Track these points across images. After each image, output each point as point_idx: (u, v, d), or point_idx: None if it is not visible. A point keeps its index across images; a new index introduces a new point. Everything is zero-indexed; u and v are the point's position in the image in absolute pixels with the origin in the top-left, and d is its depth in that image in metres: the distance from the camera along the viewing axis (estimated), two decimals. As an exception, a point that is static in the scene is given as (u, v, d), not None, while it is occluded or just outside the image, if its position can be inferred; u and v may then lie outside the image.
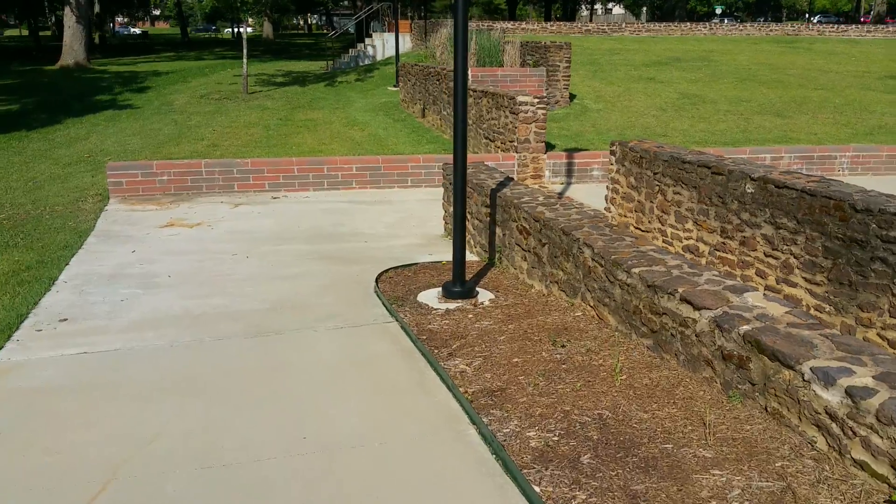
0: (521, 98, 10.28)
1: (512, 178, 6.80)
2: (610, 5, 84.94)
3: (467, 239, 6.94)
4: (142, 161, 9.97)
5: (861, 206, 4.79)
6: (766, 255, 5.71)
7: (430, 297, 5.39)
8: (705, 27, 26.91)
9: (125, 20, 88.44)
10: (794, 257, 5.43)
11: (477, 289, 5.46)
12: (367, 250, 6.93)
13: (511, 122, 10.55)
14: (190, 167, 9.52)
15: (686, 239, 6.70)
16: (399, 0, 21.84)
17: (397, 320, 4.85)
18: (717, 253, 6.27)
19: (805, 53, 20.84)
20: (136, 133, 14.68)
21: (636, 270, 4.03)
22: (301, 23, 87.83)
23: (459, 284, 5.31)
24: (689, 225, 6.62)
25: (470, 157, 10.42)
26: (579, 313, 4.68)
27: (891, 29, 27.92)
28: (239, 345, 4.46)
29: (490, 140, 11.42)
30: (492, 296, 5.37)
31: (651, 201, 7.17)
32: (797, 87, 15.81)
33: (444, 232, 7.62)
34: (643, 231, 7.36)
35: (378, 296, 5.44)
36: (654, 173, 7.07)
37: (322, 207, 8.90)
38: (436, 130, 14.24)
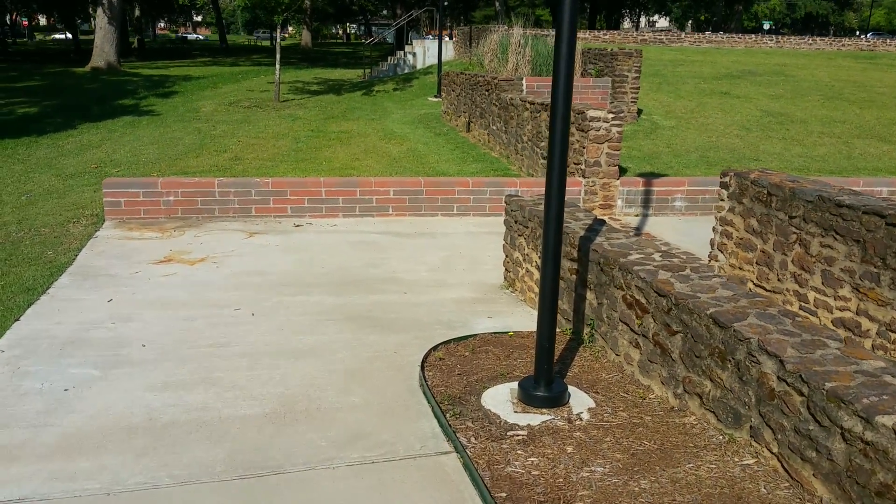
0: (591, 113, 8.61)
1: (604, 221, 5.12)
2: (655, 17, 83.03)
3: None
4: (145, 178, 8.49)
5: None
6: None
7: (501, 399, 3.73)
8: (771, 40, 24.91)
9: (168, 25, 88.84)
10: None
11: (566, 384, 3.78)
12: (406, 307, 5.30)
13: (578, 142, 8.88)
14: (201, 186, 8.01)
15: (840, 310, 4.95)
16: (444, 4, 20.35)
17: (457, 451, 3.18)
18: (893, 335, 4.52)
19: (890, 70, 18.81)
20: (153, 142, 13.29)
21: (886, 421, 2.33)
22: (340, 32, 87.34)
23: (544, 386, 3.63)
24: (846, 291, 4.88)
25: (528, 181, 8.78)
26: (749, 460, 2.98)
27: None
28: (212, 499, 2.84)
29: (551, 161, 9.74)
30: (591, 402, 3.68)
31: (784, 254, 5.44)
32: (894, 108, 13.88)
33: (505, 282, 5.96)
34: (769, 291, 5.63)
35: (426, 395, 3.79)
36: (791, 217, 5.34)
37: (352, 239, 7.30)
38: (482, 147, 12.62)
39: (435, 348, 4.40)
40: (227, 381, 3.88)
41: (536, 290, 5.35)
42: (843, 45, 24.89)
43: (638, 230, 8.09)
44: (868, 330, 4.71)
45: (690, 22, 71.38)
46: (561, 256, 3.57)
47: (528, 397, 3.63)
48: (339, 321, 4.95)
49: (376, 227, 7.85)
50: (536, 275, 5.32)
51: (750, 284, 5.86)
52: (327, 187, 8.19)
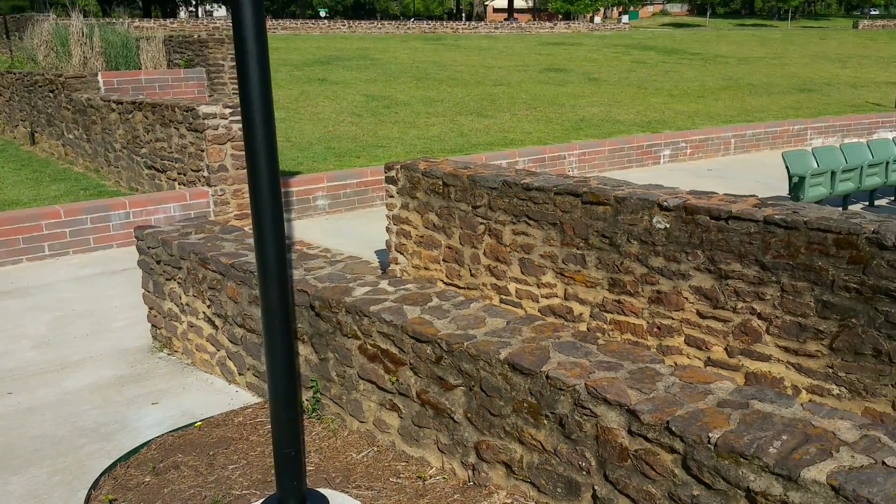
0: (205, 109, 7.29)
1: (290, 242, 4.02)
2: (210, 7, 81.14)
3: (220, 359, 3.98)
4: None
5: (893, 242, 3.19)
6: (704, 317, 3.93)
7: (234, 544, 2.47)
8: (344, 25, 25.57)
9: None
10: (761, 318, 3.73)
11: (322, 494, 2.68)
12: (21, 418, 3.55)
13: (193, 144, 7.49)
14: None
15: (546, 297, 4.67)
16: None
17: None
18: (609, 315, 4.36)
19: (457, 50, 20.60)
20: None
21: (817, 475, 1.79)
22: None
23: (299, 507, 2.49)
24: (549, 277, 4.60)
25: (139, 199, 7.13)
26: (615, 547, 2.28)
27: (514, 25, 29.94)
28: None
29: (158, 170, 8.16)
30: (361, 506, 2.65)
31: (474, 246, 4.99)
32: (476, 85, 15.03)
33: (156, 342, 4.49)
34: (463, 289, 5.16)
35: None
36: (475, 207, 4.90)
37: None
38: (60, 161, 10.25)
39: (96, 486, 2.87)
40: None
41: (210, 348, 4.04)
42: (409, 29, 26.79)
43: (289, 239, 7.08)
44: (581, 314, 4.49)
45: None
46: (289, 317, 2.43)
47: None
48: None
49: (-71, 294, 5.49)
50: (207, 329, 4.00)
51: (439, 283, 5.34)
52: None
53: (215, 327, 3.94)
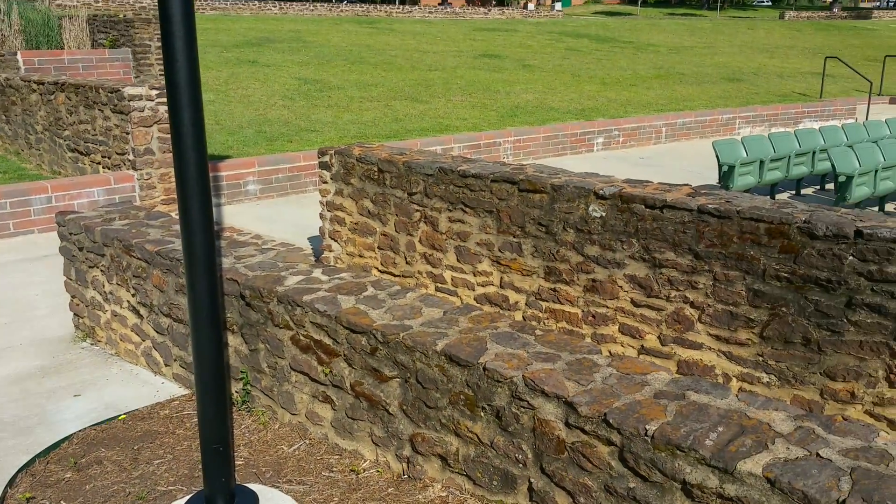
0: (130, 90, 6.99)
1: (220, 228, 3.87)
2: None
3: (145, 349, 3.82)
4: None
5: (824, 231, 3.28)
6: (638, 305, 3.97)
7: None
8: (276, 6, 24.97)
9: None
10: (693, 306, 3.78)
11: (252, 490, 2.60)
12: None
13: (118, 126, 7.18)
14: None
15: (483, 286, 4.65)
16: None
17: None
18: (544, 304, 4.36)
19: (392, 34, 20.36)
20: None
21: (753, 468, 1.80)
22: None
23: (228, 506, 2.40)
24: (486, 265, 4.58)
25: (61, 183, 6.81)
26: (553, 539, 2.27)
27: (448, 10, 29.80)
28: None
29: (82, 153, 7.80)
30: (290, 502, 2.58)
31: (410, 234, 4.93)
32: (411, 70, 14.88)
33: (79, 331, 4.28)
34: (398, 276, 5.09)
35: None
36: (411, 194, 4.84)
37: None
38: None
39: (12, 484, 2.70)
40: None
41: (135, 338, 3.86)
42: (342, 11, 26.34)
43: (218, 225, 6.87)
44: (516, 302, 4.49)
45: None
46: (218, 307, 2.32)
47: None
48: None
49: None
50: (132, 319, 3.83)
51: (375, 271, 5.26)
52: None
53: (140, 317, 3.77)
